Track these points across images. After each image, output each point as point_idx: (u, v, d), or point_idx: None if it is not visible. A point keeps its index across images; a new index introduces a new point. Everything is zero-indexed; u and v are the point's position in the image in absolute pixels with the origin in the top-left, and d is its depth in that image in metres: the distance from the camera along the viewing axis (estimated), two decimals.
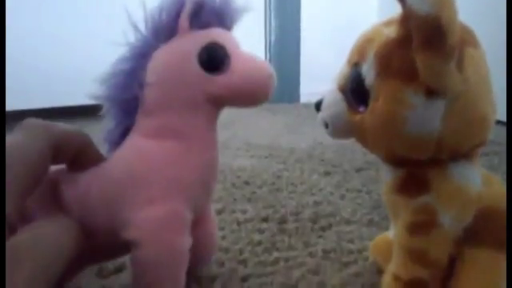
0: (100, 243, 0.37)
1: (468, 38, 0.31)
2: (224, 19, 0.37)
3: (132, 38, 0.36)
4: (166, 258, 0.34)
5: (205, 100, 0.36)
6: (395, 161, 0.34)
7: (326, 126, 0.37)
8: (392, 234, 0.40)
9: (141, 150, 0.36)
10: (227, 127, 1.25)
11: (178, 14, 0.35)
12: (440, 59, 0.27)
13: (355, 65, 0.33)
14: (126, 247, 0.35)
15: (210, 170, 0.38)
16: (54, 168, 0.34)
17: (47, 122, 0.31)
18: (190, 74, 0.35)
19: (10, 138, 0.28)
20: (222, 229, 0.56)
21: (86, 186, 0.35)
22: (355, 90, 0.34)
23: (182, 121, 0.36)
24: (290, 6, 1.80)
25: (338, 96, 0.35)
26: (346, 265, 0.47)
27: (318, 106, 0.38)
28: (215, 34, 0.36)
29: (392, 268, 0.36)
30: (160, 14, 0.35)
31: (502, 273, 0.32)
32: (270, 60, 1.80)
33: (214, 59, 0.35)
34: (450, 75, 0.28)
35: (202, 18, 0.36)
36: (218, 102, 0.37)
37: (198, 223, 0.39)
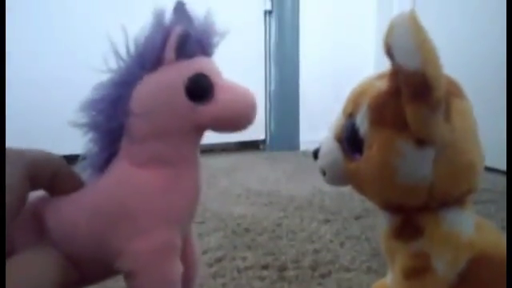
0: (86, 270, 0.36)
1: (454, 90, 0.33)
2: (207, 47, 0.38)
3: (113, 64, 0.37)
4: (160, 287, 0.34)
5: (191, 129, 0.37)
6: (390, 207, 0.36)
7: (324, 173, 0.39)
8: (389, 279, 0.40)
9: (130, 179, 0.36)
10: (228, 175, 1.26)
11: (163, 45, 0.36)
12: (427, 110, 0.29)
13: (350, 115, 0.35)
14: (112, 272, 0.35)
15: (196, 194, 0.39)
16: (34, 195, 0.35)
17: (19, 149, 0.31)
18: (178, 105, 0.36)
19: None
20: (222, 276, 0.57)
21: (73, 217, 0.35)
22: (350, 139, 0.35)
23: (169, 149, 0.37)
24: (290, 55, 1.85)
25: (334, 145, 0.37)
26: None
27: (315, 154, 0.39)
28: (200, 64, 0.37)
29: None
30: (145, 43, 0.36)
31: None
32: (270, 109, 1.83)
33: (199, 89, 0.36)
34: (438, 125, 0.30)
35: (186, 49, 0.36)
36: (202, 129, 0.38)
37: (182, 245, 0.39)
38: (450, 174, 0.32)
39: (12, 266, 0.28)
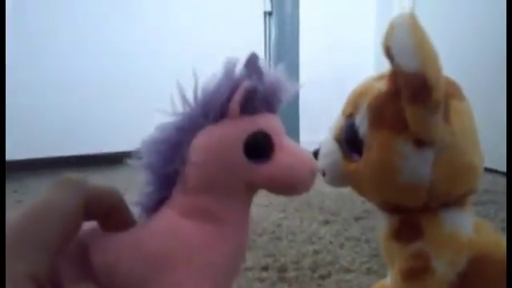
0: None
1: (454, 92, 0.33)
2: (273, 104, 0.37)
3: (179, 108, 0.36)
4: None
5: (244, 187, 0.36)
6: (389, 208, 0.36)
7: (323, 174, 0.39)
8: (389, 280, 0.40)
9: (177, 228, 0.35)
10: None
11: (229, 97, 0.35)
12: (427, 112, 0.29)
13: (349, 116, 0.35)
14: None
15: (241, 255, 0.38)
16: (84, 227, 0.35)
17: (80, 178, 0.31)
18: (234, 161, 0.35)
19: (46, 193, 0.28)
20: None
21: (116, 253, 0.34)
22: (350, 140, 0.35)
23: (219, 205, 0.36)
24: (289, 56, 1.85)
25: (334, 146, 0.37)
26: None
27: (315, 155, 0.39)
28: (263, 122, 0.36)
29: None
30: (211, 93, 0.35)
31: None
32: None
33: (258, 149, 0.35)
34: (437, 126, 0.30)
35: (252, 104, 0.35)
36: (256, 189, 0.37)
37: None
38: (450, 174, 0.32)
39: None
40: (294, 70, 1.86)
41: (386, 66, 0.35)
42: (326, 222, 0.81)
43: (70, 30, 1.49)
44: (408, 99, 0.30)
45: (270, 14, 1.82)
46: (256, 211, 0.87)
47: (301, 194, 0.36)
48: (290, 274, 0.58)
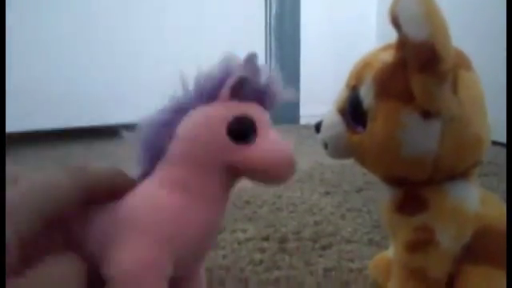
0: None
1: (462, 62, 0.32)
2: (263, 101, 0.38)
3: (179, 92, 0.38)
4: None
5: (221, 166, 0.37)
6: (393, 181, 0.35)
7: (326, 146, 0.38)
8: (392, 252, 0.40)
9: (147, 194, 0.36)
10: None
11: (222, 82, 0.36)
12: (434, 82, 0.29)
13: (354, 88, 0.35)
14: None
15: (208, 233, 0.39)
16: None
17: (81, 165, 0.32)
18: (216, 139, 0.36)
19: (45, 174, 0.29)
20: (222, 248, 0.57)
21: (95, 222, 0.36)
22: (354, 112, 0.35)
23: (196, 179, 0.37)
24: (290, 28, 1.82)
25: (337, 118, 0.36)
26: (347, 284, 0.48)
27: (317, 127, 0.39)
28: (250, 109, 0.37)
29: (392, 286, 0.36)
30: (206, 79, 0.37)
31: None
32: None
33: (242, 131, 0.36)
34: (445, 97, 0.29)
35: (242, 92, 0.37)
36: (233, 172, 0.38)
37: (183, 282, 0.39)
38: (457, 146, 0.31)
39: (31, 276, 0.28)
40: (294, 42, 1.84)
41: (388, 37, 0.34)
42: (327, 193, 0.81)
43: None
44: (415, 69, 0.29)
45: None
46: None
47: (278, 183, 0.37)
48: (291, 244, 0.58)
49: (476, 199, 0.34)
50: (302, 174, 0.96)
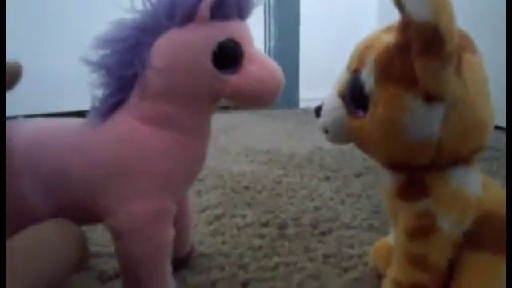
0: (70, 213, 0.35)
1: (466, 44, 0.31)
2: (243, 10, 0.36)
3: (140, 5, 0.34)
4: (151, 252, 0.34)
5: (209, 97, 0.35)
6: (395, 166, 0.35)
7: (326, 131, 0.37)
8: (392, 238, 0.40)
9: (132, 134, 0.34)
10: (227, 132, 1.25)
11: (198, 1, 0.33)
12: (438, 64, 0.28)
13: (355, 71, 0.34)
14: (94, 222, 0.35)
15: (199, 164, 0.38)
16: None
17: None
18: (201, 69, 0.33)
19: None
20: (222, 234, 0.57)
21: (66, 163, 0.34)
22: (355, 96, 0.34)
23: (181, 113, 0.34)
24: (290, 12, 1.80)
25: (338, 102, 0.36)
26: (346, 270, 0.48)
27: (317, 111, 0.38)
28: (233, 29, 0.34)
29: (392, 273, 0.36)
30: None
31: (501, 276, 0.32)
32: None
33: (227, 57, 0.34)
34: (449, 80, 0.29)
35: (223, 9, 0.34)
36: (220, 99, 0.36)
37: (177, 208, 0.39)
38: (460, 131, 0.31)
39: (22, 235, 0.27)
40: (294, 24, 1.81)
41: (389, 19, 0.33)
42: (327, 179, 0.81)
43: None
44: (418, 51, 0.28)
45: None
46: (255, 168, 0.87)
47: (266, 106, 0.36)
48: (290, 230, 0.58)
49: (478, 185, 0.34)
50: (301, 158, 0.95)
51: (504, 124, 1.04)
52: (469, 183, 0.33)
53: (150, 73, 0.34)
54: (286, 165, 0.90)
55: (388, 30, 0.33)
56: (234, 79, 0.34)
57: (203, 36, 0.33)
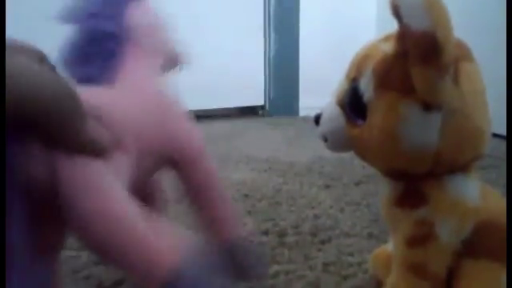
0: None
1: (464, 53, 0.32)
2: None
3: None
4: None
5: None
6: (393, 174, 0.35)
7: (325, 139, 0.38)
8: (391, 246, 0.40)
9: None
10: (227, 140, 1.25)
11: None
12: (436, 73, 0.28)
13: (353, 80, 0.34)
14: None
15: (145, 116, 0.38)
16: None
17: None
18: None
19: None
20: None
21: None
22: (353, 105, 0.34)
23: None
24: (289, 21, 1.81)
25: (337, 110, 0.36)
26: (346, 278, 0.48)
27: (317, 120, 0.38)
28: None
29: (391, 281, 0.36)
30: None
31: (500, 284, 0.32)
32: (269, 74, 1.81)
33: None
34: (446, 89, 0.29)
35: None
36: None
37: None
38: (458, 140, 0.31)
39: None
40: (294, 34, 1.83)
41: (389, 27, 0.33)
42: (327, 187, 0.81)
43: None
44: (416, 61, 0.28)
45: None
46: (255, 176, 0.87)
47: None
48: (290, 238, 0.58)
49: (476, 193, 0.34)
50: (301, 167, 0.95)
51: (504, 132, 1.04)
52: (467, 191, 0.33)
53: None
54: (285, 173, 0.90)
55: (386, 39, 0.33)
56: None
57: None
